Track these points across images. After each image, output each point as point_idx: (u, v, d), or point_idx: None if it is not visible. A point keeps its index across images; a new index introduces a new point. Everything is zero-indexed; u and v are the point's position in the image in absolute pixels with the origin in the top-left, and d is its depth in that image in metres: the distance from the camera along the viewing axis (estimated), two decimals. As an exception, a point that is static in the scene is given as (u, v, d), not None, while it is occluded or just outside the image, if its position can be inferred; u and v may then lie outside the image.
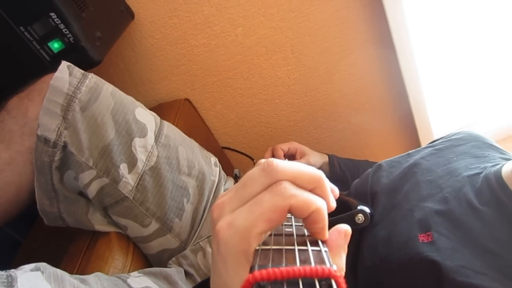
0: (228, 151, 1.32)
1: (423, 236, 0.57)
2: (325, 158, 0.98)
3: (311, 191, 0.29)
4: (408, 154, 0.82)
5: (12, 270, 0.46)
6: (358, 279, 0.65)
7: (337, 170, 0.97)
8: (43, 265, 0.49)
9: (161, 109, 1.15)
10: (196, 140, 0.95)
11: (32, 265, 0.48)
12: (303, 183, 0.29)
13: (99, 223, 0.73)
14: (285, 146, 0.96)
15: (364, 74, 1.19)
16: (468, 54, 1.22)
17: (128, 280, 0.59)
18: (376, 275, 0.61)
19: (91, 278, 0.54)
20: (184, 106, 1.14)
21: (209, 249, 0.74)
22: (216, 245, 0.28)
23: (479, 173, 0.63)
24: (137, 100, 1.19)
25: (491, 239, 0.53)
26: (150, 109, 1.19)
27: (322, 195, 0.29)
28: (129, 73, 1.15)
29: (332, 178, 0.96)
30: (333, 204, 0.31)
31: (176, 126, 1.02)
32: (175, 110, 1.10)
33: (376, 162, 1.00)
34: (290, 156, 0.97)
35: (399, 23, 1.03)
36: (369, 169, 0.82)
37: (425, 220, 0.60)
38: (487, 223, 0.55)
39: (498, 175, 0.60)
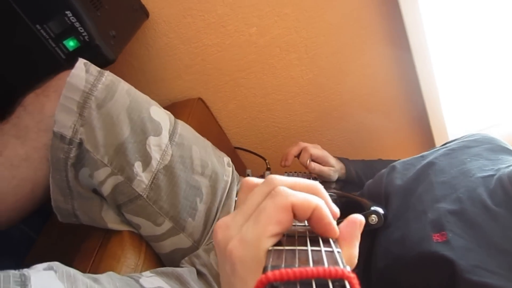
0: (240, 151, 1.32)
1: (437, 236, 0.57)
2: (343, 169, 0.98)
3: None
4: (421, 156, 0.81)
5: (25, 269, 0.46)
6: (371, 281, 0.64)
7: (353, 177, 0.97)
8: (56, 264, 0.49)
9: (174, 108, 1.15)
10: (208, 140, 0.95)
11: (45, 265, 0.48)
12: (300, 189, 0.29)
13: (112, 222, 0.73)
14: (314, 151, 0.95)
15: (378, 75, 1.17)
16: (485, 55, 1.19)
17: (141, 280, 0.59)
18: (390, 275, 0.61)
19: (103, 277, 0.54)
20: (197, 105, 1.14)
21: None
22: (231, 267, 0.27)
23: (493, 175, 0.63)
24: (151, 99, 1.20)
25: (506, 239, 0.53)
26: (164, 108, 1.20)
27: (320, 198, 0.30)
28: (142, 72, 1.15)
29: (347, 181, 0.95)
30: (336, 210, 0.31)
31: (189, 125, 1.02)
32: (188, 109, 1.10)
33: (390, 161, 0.99)
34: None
35: (415, 23, 1.02)
36: (383, 170, 0.81)
37: (438, 220, 0.60)
38: (501, 223, 0.55)
39: (511, 176, 0.59)
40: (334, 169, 0.96)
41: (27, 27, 0.75)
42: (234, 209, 0.42)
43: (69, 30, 0.77)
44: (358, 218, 0.31)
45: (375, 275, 0.64)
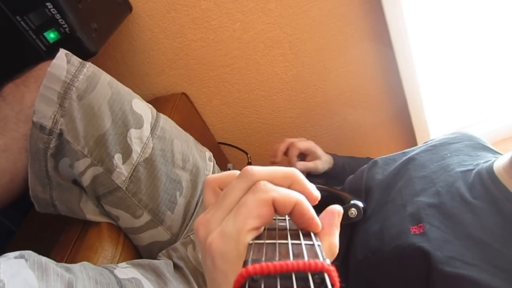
0: (224, 147, 1.32)
1: (414, 228, 0.58)
2: (331, 162, 0.99)
3: (289, 187, 0.30)
4: (403, 152, 0.82)
5: None
6: (349, 273, 0.65)
7: (340, 169, 0.98)
8: (28, 253, 0.49)
9: (158, 103, 1.15)
10: (192, 135, 0.95)
11: (17, 253, 0.48)
12: (280, 181, 0.30)
13: (90, 213, 0.73)
14: (302, 146, 0.95)
15: (362, 72, 1.19)
16: (467, 54, 1.21)
17: (115, 271, 0.59)
18: (368, 268, 0.62)
19: (76, 267, 0.54)
20: (180, 100, 1.14)
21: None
22: (211, 260, 0.27)
23: (472, 169, 0.64)
24: (135, 93, 1.20)
25: (483, 231, 0.54)
26: (148, 102, 1.20)
27: (300, 188, 0.30)
28: (126, 66, 1.15)
29: (330, 174, 0.96)
30: (316, 193, 0.32)
31: (172, 119, 1.02)
32: (171, 104, 1.10)
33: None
34: (301, 155, 0.97)
35: (397, 22, 1.03)
36: (364, 165, 0.83)
37: (417, 213, 0.61)
38: (479, 216, 0.56)
39: (490, 170, 0.61)
40: (321, 161, 0.97)
41: (8, 19, 0.74)
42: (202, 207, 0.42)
43: (49, 22, 0.76)
44: (336, 208, 0.32)
45: (353, 267, 0.65)
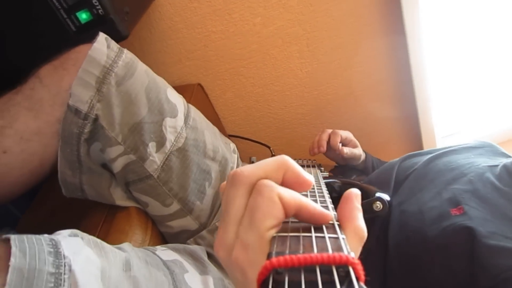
0: (234, 139, 1.33)
1: (455, 210, 0.61)
2: (363, 155, 1.00)
3: (286, 180, 0.30)
4: (428, 150, 0.86)
5: (49, 235, 0.45)
6: (388, 253, 0.66)
7: (369, 164, 0.99)
8: (77, 232, 0.48)
9: (174, 92, 1.15)
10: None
11: (68, 231, 0.47)
12: (273, 173, 0.30)
13: (120, 198, 0.73)
14: (344, 133, 0.96)
15: (374, 73, 1.22)
16: (475, 57, 1.26)
17: (157, 252, 0.59)
18: (408, 248, 0.63)
19: (125, 245, 0.54)
20: (196, 91, 1.14)
21: None
22: (242, 273, 0.27)
23: (497, 165, 0.68)
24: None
25: None
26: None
27: (294, 175, 0.30)
28: (143, 54, 1.14)
29: (364, 168, 0.98)
30: (310, 179, 0.31)
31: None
32: (189, 94, 1.10)
33: None
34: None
35: (415, 27, 1.06)
36: (395, 159, 0.85)
37: (454, 197, 0.64)
38: (511, 200, 0.60)
39: None
40: (360, 149, 0.98)
41: (40, -4, 0.73)
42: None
43: (83, 2, 0.75)
44: (352, 192, 0.31)
45: (394, 247, 0.65)
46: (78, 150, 0.66)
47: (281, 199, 0.27)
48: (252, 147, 1.32)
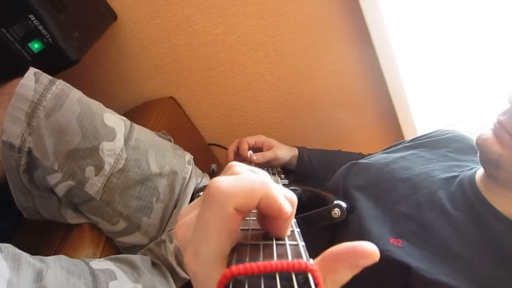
0: (214, 148, 1.35)
1: (393, 240, 0.59)
2: (295, 151, 0.98)
3: (259, 204, 0.26)
4: (386, 151, 0.83)
5: None
6: None
7: (306, 162, 0.96)
8: (5, 245, 0.51)
9: (146, 107, 1.18)
10: (180, 137, 0.98)
11: None
12: (251, 201, 0.25)
13: (71, 218, 0.76)
14: (251, 140, 0.95)
15: (346, 71, 1.20)
16: (448, 49, 1.22)
17: (90, 263, 0.62)
18: None
19: (50, 258, 0.57)
20: (167, 104, 1.17)
21: (168, 243, 0.76)
22: (193, 275, 0.26)
23: (456, 176, 0.64)
24: (124, 98, 1.24)
25: (461, 244, 0.54)
26: (136, 107, 1.23)
27: (269, 205, 0.26)
28: (115, 73, 1.18)
29: (300, 171, 0.97)
30: (288, 209, 0.26)
31: (159, 123, 1.05)
32: (159, 108, 1.13)
33: (348, 153, 1.02)
34: (257, 149, 0.96)
35: (376, 19, 1.04)
36: (342, 167, 0.83)
37: (396, 225, 0.61)
38: (458, 229, 0.56)
39: (471, 180, 0.61)
40: (279, 148, 0.94)
41: (-7, 31, 0.78)
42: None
43: (33, 32, 0.79)
44: (366, 246, 0.26)
45: None
46: (21, 180, 0.70)
47: (236, 208, 0.24)
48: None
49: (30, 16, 0.78)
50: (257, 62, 1.18)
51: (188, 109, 1.27)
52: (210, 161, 1.31)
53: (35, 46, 0.81)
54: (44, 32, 0.80)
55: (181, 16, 1.08)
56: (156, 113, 1.10)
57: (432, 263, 0.53)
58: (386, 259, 0.55)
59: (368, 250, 0.26)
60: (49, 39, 0.81)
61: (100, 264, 0.63)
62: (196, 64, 1.17)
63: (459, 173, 0.65)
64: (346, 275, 0.25)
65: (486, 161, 0.56)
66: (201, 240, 0.25)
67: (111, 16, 1.04)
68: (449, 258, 0.53)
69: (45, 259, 0.56)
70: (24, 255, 0.53)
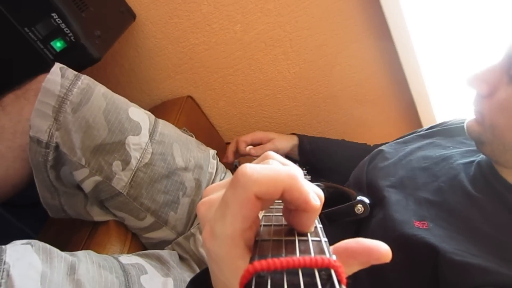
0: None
1: (418, 223, 0.58)
2: (295, 140, 0.97)
3: (283, 193, 0.25)
4: (404, 142, 0.82)
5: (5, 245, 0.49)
6: None
7: (307, 150, 0.96)
8: (34, 241, 0.52)
9: (165, 107, 1.18)
10: (198, 136, 0.97)
11: (24, 241, 0.51)
12: (273, 189, 0.25)
13: (97, 215, 0.76)
14: (246, 138, 0.96)
15: (364, 66, 1.19)
16: (470, 43, 1.20)
17: (120, 258, 0.62)
18: None
19: (81, 252, 0.57)
20: (186, 104, 1.17)
21: (198, 236, 0.76)
22: (207, 251, 0.27)
23: (473, 161, 0.64)
24: (142, 98, 1.24)
25: (488, 223, 0.54)
26: (154, 107, 1.23)
27: (296, 196, 0.25)
28: (133, 73, 1.19)
29: (302, 160, 0.96)
30: (316, 202, 0.26)
31: (178, 122, 1.05)
32: (177, 107, 1.13)
33: (352, 143, 1.01)
34: (257, 145, 0.97)
35: (395, 13, 1.04)
36: (365, 158, 0.82)
37: (420, 210, 0.61)
38: (483, 209, 0.55)
39: (489, 162, 0.60)
40: (278, 139, 0.95)
41: (16, 30, 0.78)
42: None
43: (55, 31, 0.80)
44: (380, 248, 0.27)
45: None
46: (48, 176, 0.70)
47: (257, 195, 0.24)
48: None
49: (53, 14, 0.79)
50: (275, 59, 1.17)
51: (206, 108, 1.27)
52: (229, 160, 1.30)
53: (58, 44, 0.82)
54: (67, 30, 0.81)
55: (199, 14, 1.08)
56: (175, 112, 1.10)
57: (460, 243, 0.53)
58: (413, 243, 0.55)
59: (383, 253, 0.26)
60: (72, 38, 0.81)
61: (129, 259, 0.62)
62: (214, 62, 1.17)
63: (476, 157, 0.64)
64: (354, 269, 0.26)
65: (479, 146, 0.59)
66: (218, 219, 0.26)
67: (131, 15, 1.05)
68: (477, 237, 0.53)
69: (75, 253, 0.56)
70: (55, 249, 0.53)
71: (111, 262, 0.58)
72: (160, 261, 0.67)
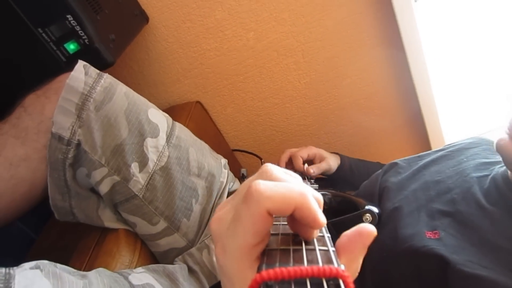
0: (238, 154, 1.34)
1: (430, 233, 0.58)
2: (338, 159, 0.98)
3: (294, 211, 0.26)
4: (418, 156, 0.82)
5: (12, 268, 0.47)
6: (365, 274, 0.64)
7: (346, 169, 0.97)
8: (43, 263, 0.50)
9: (173, 111, 1.17)
10: (206, 142, 0.96)
11: (32, 263, 0.49)
12: (288, 207, 0.26)
13: (108, 220, 0.75)
14: (304, 153, 0.94)
15: (375, 79, 1.19)
16: (480, 59, 1.20)
17: (130, 277, 0.60)
18: (383, 267, 0.62)
19: (92, 274, 0.55)
20: (195, 109, 1.16)
21: (212, 246, 0.75)
22: (220, 268, 0.27)
23: (488, 175, 0.64)
24: (150, 102, 1.22)
25: (500, 236, 0.54)
26: (163, 111, 1.21)
27: (306, 215, 0.26)
28: (142, 76, 1.17)
29: (336, 177, 0.96)
30: (323, 220, 0.27)
31: (187, 127, 1.04)
32: (186, 112, 1.11)
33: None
34: (309, 162, 0.95)
35: (410, 29, 1.03)
36: (379, 170, 0.83)
37: (432, 220, 0.61)
38: (496, 222, 0.55)
39: (504, 175, 0.60)
40: (331, 159, 0.96)
41: (29, 31, 0.77)
42: None
43: (69, 33, 0.79)
44: (368, 229, 0.28)
45: (369, 268, 0.64)
46: (64, 175, 0.69)
47: (269, 211, 0.25)
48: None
49: (68, 16, 0.77)
50: (286, 68, 1.16)
51: (213, 114, 1.26)
52: (235, 166, 1.29)
53: (71, 47, 0.80)
54: (81, 33, 0.79)
55: (212, 20, 1.07)
56: (185, 117, 1.08)
57: (471, 254, 0.53)
58: (422, 254, 0.55)
59: (369, 228, 0.28)
60: (86, 40, 0.80)
61: (139, 278, 0.61)
62: (224, 69, 1.16)
63: (490, 172, 0.65)
64: (359, 254, 0.28)
65: (509, 164, 0.57)
66: (230, 235, 0.26)
67: (144, 18, 1.04)
68: (488, 249, 0.53)
69: (86, 274, 0.54)
70: (64, 272, 0.51)
71: (122, 284, 0.57)
72: (170, 278, 0.66)
